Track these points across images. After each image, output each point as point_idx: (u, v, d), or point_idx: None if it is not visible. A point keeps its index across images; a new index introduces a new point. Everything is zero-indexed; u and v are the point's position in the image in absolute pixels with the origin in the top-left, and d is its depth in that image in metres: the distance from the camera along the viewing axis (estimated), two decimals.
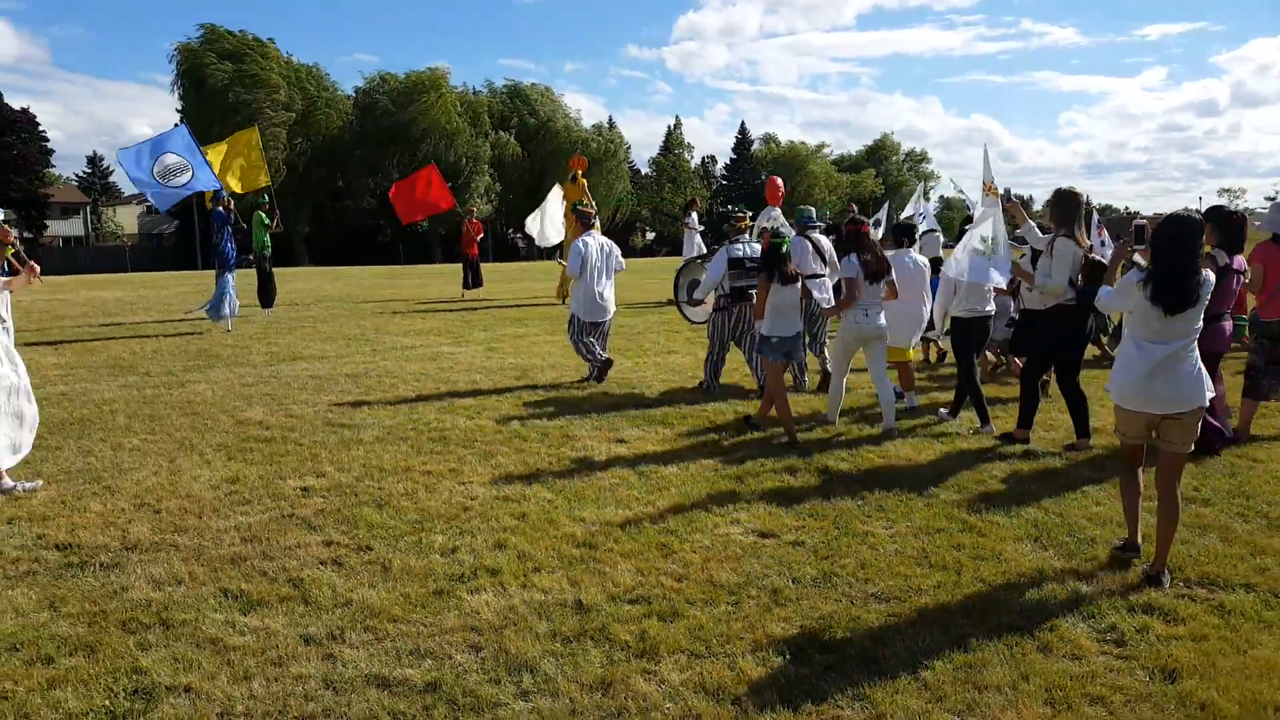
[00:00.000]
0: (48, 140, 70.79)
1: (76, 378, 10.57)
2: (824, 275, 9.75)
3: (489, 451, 7.19)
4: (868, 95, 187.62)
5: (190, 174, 13.75)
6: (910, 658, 3.84)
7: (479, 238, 22.86)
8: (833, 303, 8.90)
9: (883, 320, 8.01)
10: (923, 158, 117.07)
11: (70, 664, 3.74)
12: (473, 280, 22.29)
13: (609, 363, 10.42)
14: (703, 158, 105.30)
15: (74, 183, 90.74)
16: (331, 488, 6.22)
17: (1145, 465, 4.95)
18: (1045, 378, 8.29)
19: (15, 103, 69.82)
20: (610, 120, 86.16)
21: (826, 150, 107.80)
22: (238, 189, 15.44)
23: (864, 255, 7.88)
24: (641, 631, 4.09)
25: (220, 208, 15.34)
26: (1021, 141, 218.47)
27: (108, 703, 3.47)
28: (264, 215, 16.65)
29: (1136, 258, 5.09)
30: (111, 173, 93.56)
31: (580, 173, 19.51)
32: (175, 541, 5.16)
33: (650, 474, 6.57)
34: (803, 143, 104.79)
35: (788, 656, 3.87)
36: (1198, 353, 4.74)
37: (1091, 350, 10.16)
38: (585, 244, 10.45)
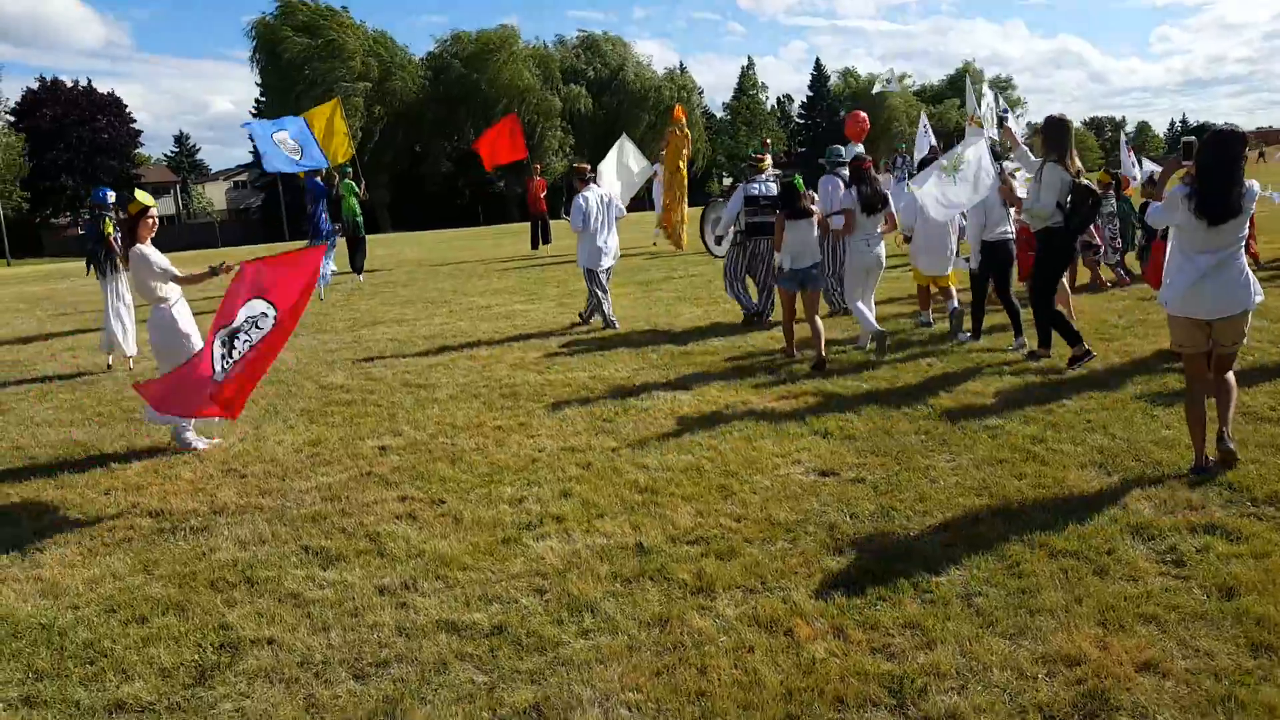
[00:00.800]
0: (135, 122, 73.08)
1: None
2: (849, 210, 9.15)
3: (557, 405, 7.36)
4: (948, 23, 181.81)
5: (301, 154, 14.34)
6: (964, 586, 3.89)
7: (543, 195, 23.08)
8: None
9: (882, 249, 8.77)
10: (1008, 84, 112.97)
11: (163, 622, 4.02)
12: (543, 238, 22.52)
13: (613, 322, 10.88)
14: (779, 98, 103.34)
15: (163, 162, 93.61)
16: (407, 446, 6.46)
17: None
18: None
19: (102, 87, 72.13)
20: (681, 65, 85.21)
21: (908, 81, 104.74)
22: (335, 161, 15.89)
23: (862, 188, 8.47)
24: (699, 570, 4.20)
25: (319, 179, 15.99)
26: (1112, 61, 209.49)
27: (197, 657, 3.73)
28: (353, 184, 17.19)
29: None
30: (198, 150, 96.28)
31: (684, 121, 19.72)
32: (260, 504, 5.44)
33: (714, 419, 6.66)
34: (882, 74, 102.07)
35: (842, 589, 3.94)
36: (1244, 259, 4.99)
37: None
38: (585, 199, 10.79)
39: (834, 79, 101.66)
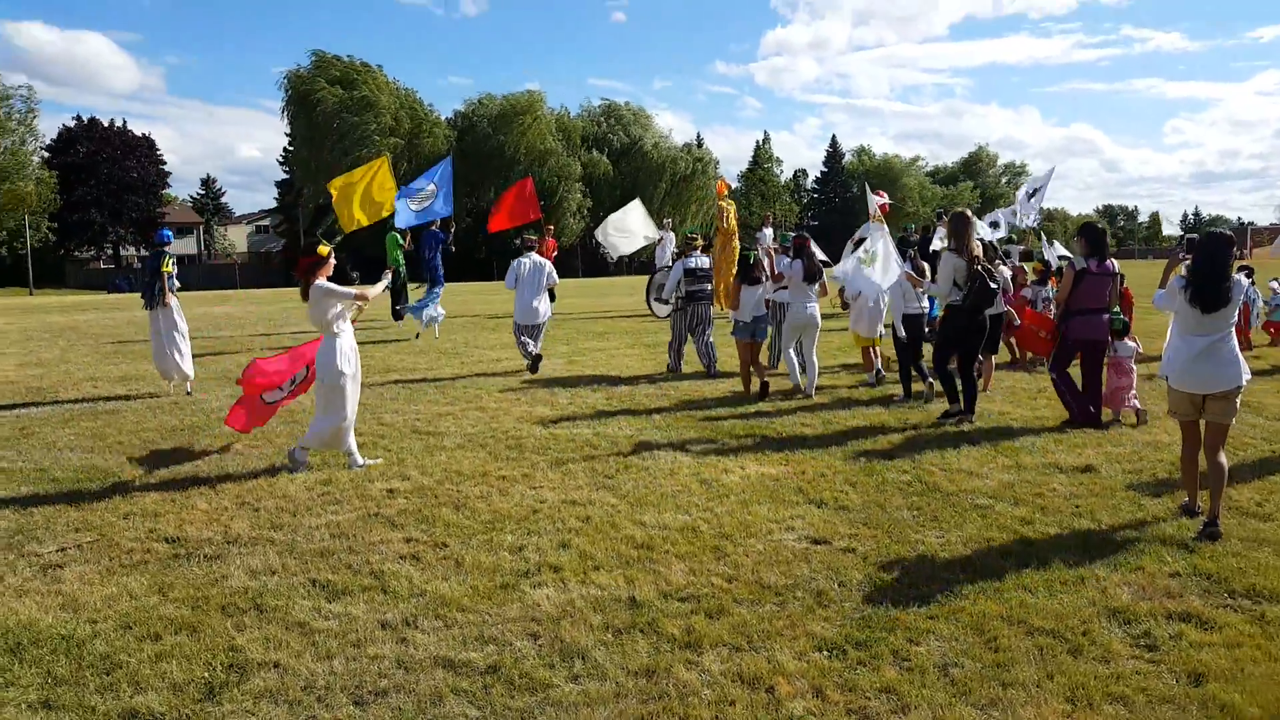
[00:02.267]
0: (165, 163, 74.59)
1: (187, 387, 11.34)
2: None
3: (561, 459, 7.57)
4: (962, 106, 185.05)
5: (432, 201, 15.03)
6: (942, 656, 4.05)
7: (553, 254, 23.60)
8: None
9: (816, 311, 10.39)
10: (1021, 170, 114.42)
11: (175, 641, 4.21)
12: (548, 296, 22.88)
13: (539, 358, 12.41)
14: (794, 171, 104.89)
15: (188, 203, 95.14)
16: (414, 490, 6.67)
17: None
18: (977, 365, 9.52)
19: (136, 128, 73.73)
20: (699, 137, 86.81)
21: (921, 162, 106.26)
22: (380, 215, 16.51)
23: (804, 260, 10.28)
24: (688, 626, 4.37)
25: (437, 228, 17.40)
26: (1125, 150, 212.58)
27: (206, 674, 3.91)
28: (397, 236, 17.87)
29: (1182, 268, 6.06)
30: (224, 193, 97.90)
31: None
32: (271, 536, 5.65)
33: (712, 482, 6.85)
34: (896, 155, 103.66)
35: (825, 652, 4.11)
36: (1235, 342, 5.73)
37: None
38: (520, 263, 12.65)
39: (848, 156, 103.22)
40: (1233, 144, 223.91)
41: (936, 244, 12.92)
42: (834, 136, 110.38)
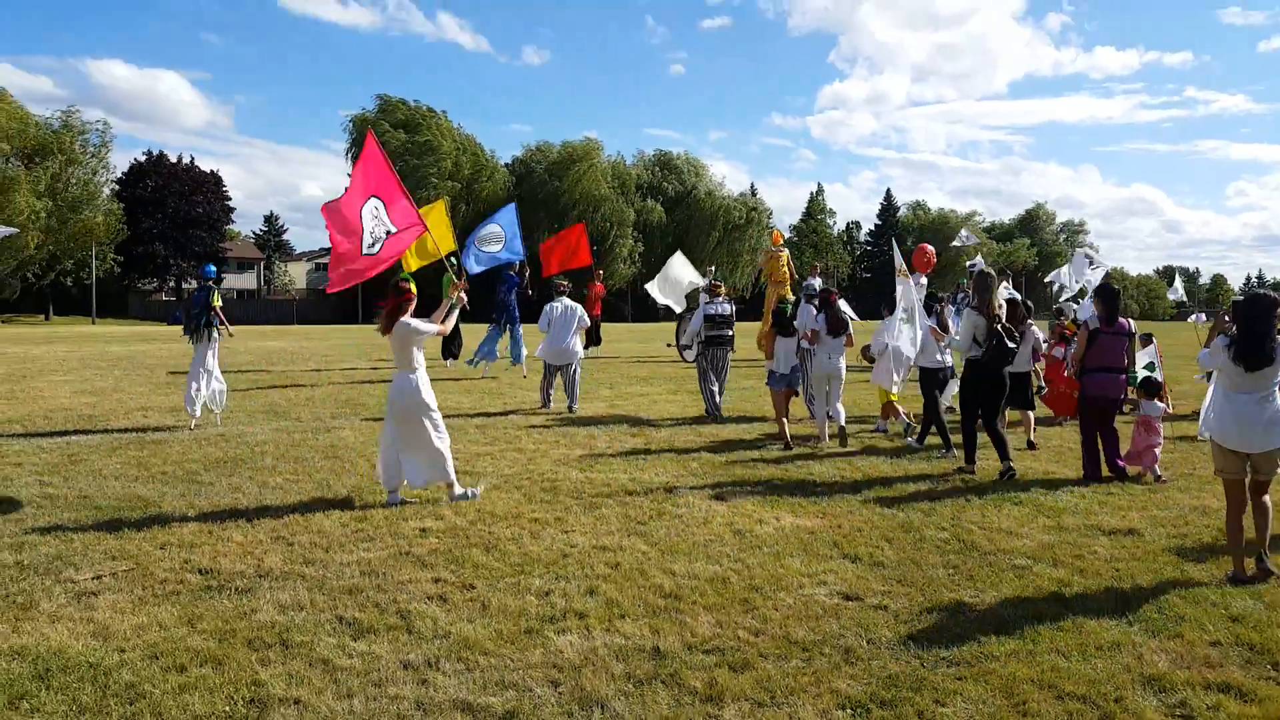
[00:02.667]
0: (230, 199, 76.64)
1: (235, 420, 11.56)
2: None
3: (594, 503, 7.55)
4: (1020, 163, 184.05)
5: (501, 245, 15.48)
6: (967, 718, 3.94)
7: (600, 299, 24.34)
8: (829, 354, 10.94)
9: (842, 363, 10.73)
10: (1080, 227, 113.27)
11: (200, 673, 4.25)
12: (594, 338, 23.23)
13: (571, 407, 13.06)
14: (847, 223, 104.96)
15: (250, 239, 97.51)
16: (447, 530, 6.69)
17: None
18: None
19: (204, 165, 75.97)
20: (752, 187, 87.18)
21: (977, 218, 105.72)
22: (445, 251, 16.89)
23: (829, 314, 10.67)
24: (711, 679, 4.31)
25: (512, 272, 18.11)
26: (1187, 211, 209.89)
27: (228, 708, 3.93)
28: (453, 277, 18.14)
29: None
30: (285, 230, 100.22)
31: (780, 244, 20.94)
32: (303, 572, 5.69)
33: (746, 532, 6.78)
34: (952, 210, 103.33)
35: (848, 711, 4.02)
36: (1278, 400, 5.84)
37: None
38: (553, 306, 13.31)
39: (903, 210, 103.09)
40: None
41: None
42: (888, 190, 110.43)
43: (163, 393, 14.17)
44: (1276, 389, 5.83)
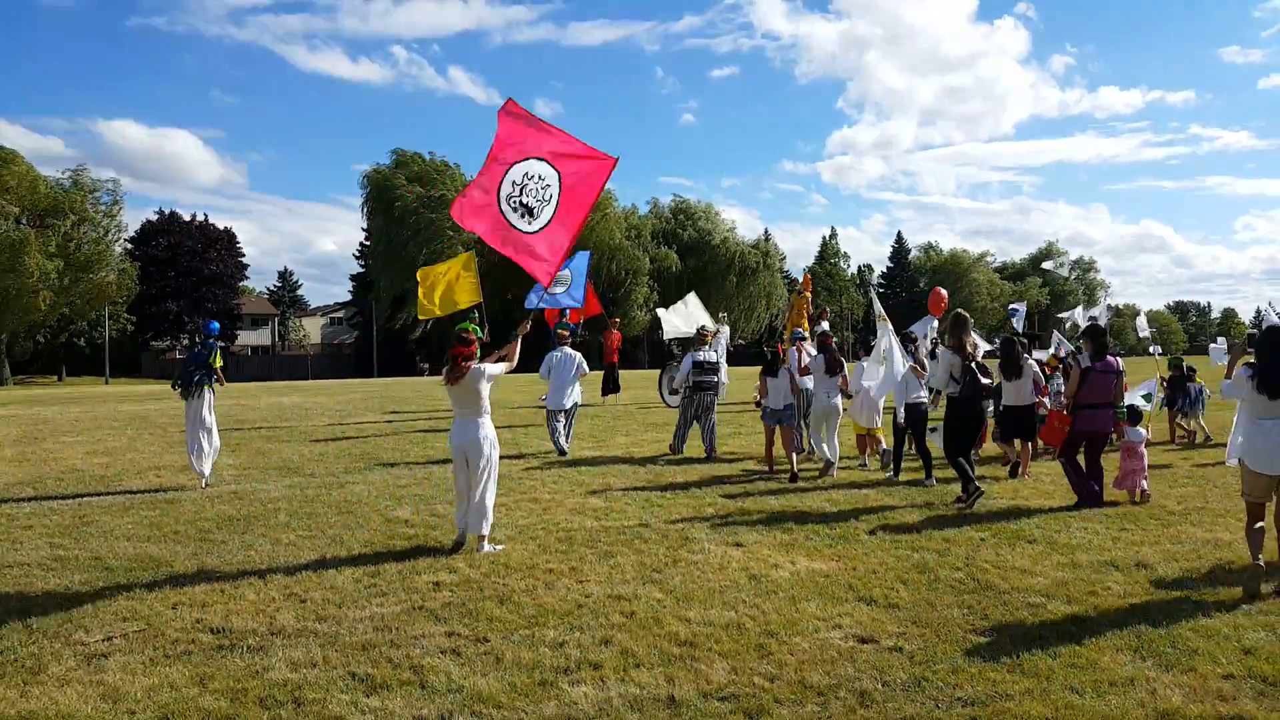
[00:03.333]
0: (244, 256, 77.45)
1: (248, 478, 11.59)
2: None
3: (609, 552, 7.52)
4: (1030, 203, 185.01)
5: (565, 288, 15.78)
6: None
7: (617, 347, 24.42)
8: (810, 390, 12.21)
9: (839, 401, 11.68)
10: (1090, 265, 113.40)
11: None
12: (612, 386, 23.23)
13: (563, 451, 13.49)
14: (859, 266, 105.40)
15: (265, 295, 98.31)
16: (460, 583, 6.67)
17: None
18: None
19: (217, 222, 76.86)
20: (766, 233, 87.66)
21: (989, 258, 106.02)
22: (466, 304, 17.27)
23: (826, 355, 11.66)
24: None
25: (569, 321, 18.50)
26: (1196, 246, 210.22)
27: None
28: (476, 329, 18.34)
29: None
30: (300, 285, 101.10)
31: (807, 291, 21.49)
32: (315, 629, 5.68)
33: (761, 577, 6.74)
34: (964, 250, 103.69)
35: None
36: None
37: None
38: (553, 355, 14.03)
39: (915, 252, 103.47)
40: None
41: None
42: (899, 233, 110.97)
43: (176, 451, 14.22)
44: None
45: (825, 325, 21.06)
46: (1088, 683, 4.69)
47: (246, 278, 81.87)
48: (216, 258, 73.50)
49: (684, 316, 19.80)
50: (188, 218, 74.67)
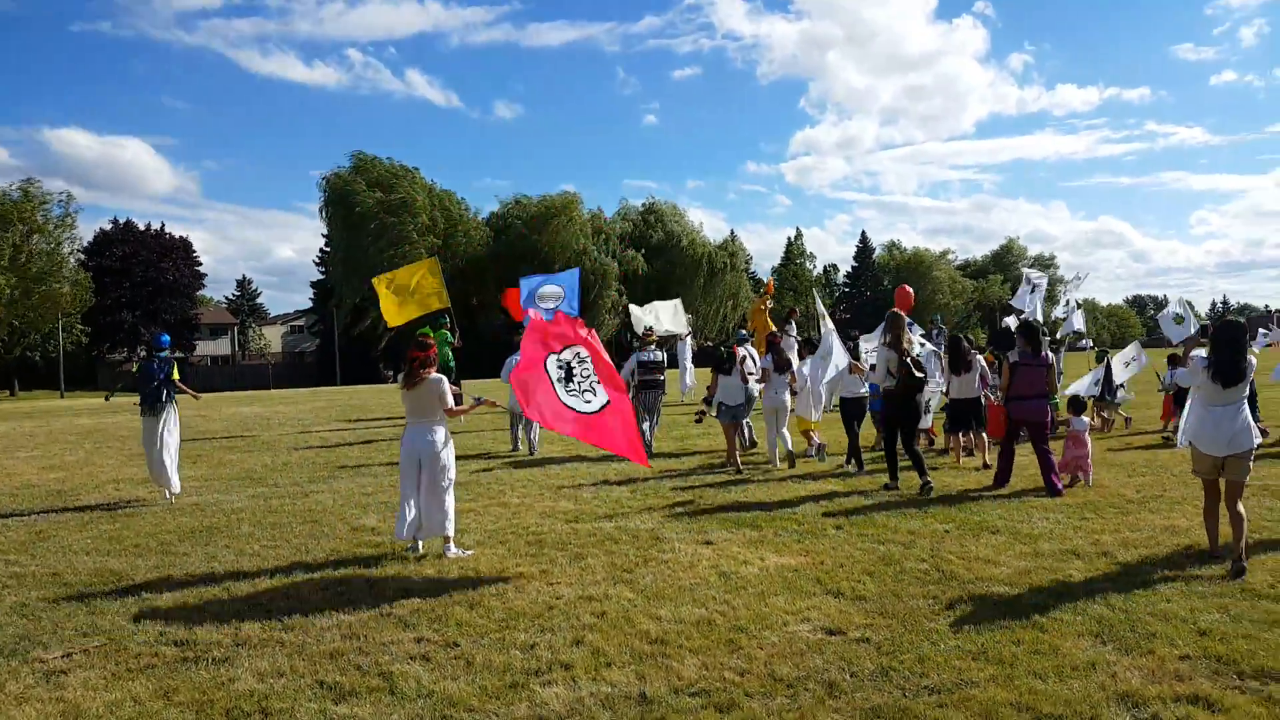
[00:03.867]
0: (201, 265, 76.30)
1: (210, 489, 11.45)
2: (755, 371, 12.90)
3: (580, 554, 7.52)
4: (990, 201, 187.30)
5: (554, 304, 15.82)
6: None
7: None
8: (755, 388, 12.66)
9: (786, 397, 12.30)
10: (1050, 262, 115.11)
11: None
12: None
13: (533, 449, 14.20)
14: (825, 266, 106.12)
15: (223, 305, 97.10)
16: (429, 589, 6.63)
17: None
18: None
19: (173, 231, 75.66)
20: (732, 233, 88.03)
21: (951, 256, 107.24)
22: (431, 309, 17.30)
23: (775, 355, 12.35)
24: None
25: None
26: (1152, 241, 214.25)
27: None
28: (447, 334, 18.29)
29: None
30: (259, 294, 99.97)
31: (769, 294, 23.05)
32: (281, 638, 5.62)
33: (731, 574, 6.78)
34: (927, 249, 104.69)
35: None
36: (1247, 411, 6.64)
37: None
38: (511, 359, 13.73)
39: (879, 250, 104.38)
40: (1258, 234, 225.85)
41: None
42: (864, 232, 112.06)
43: (135, 464, 14.01)
44: (1245, 401, 6.63)
45: (793, 325, 21.82)
46: (1050, 668, 4.77)
47: (204, 287, 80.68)
48: (172, 267, 72.31)
49: (664, 317, 19.97)
50: (143, 227, 73.47)
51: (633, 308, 21.12)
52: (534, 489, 10.69)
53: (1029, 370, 9.96)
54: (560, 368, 7.63)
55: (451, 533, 7.70)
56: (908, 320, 16.98)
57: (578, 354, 7.75)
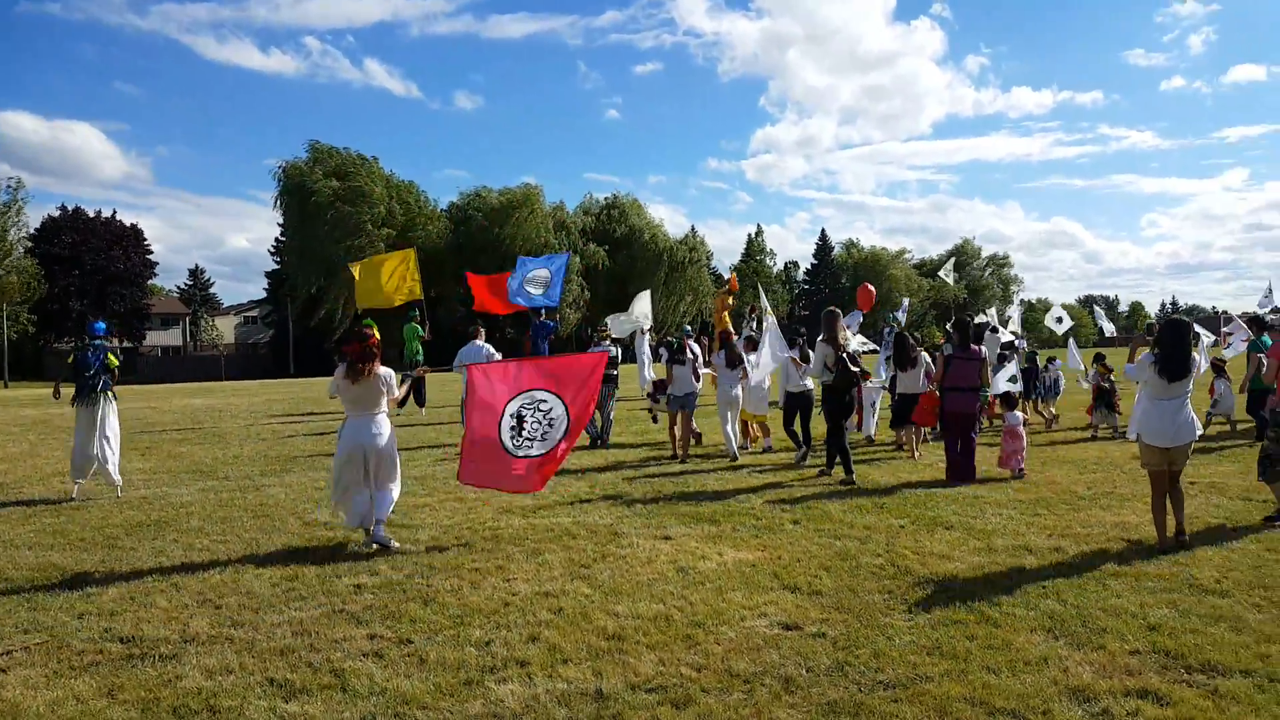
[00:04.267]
0: (152, 253, 74.80)
1: (158, 482, 11.22)
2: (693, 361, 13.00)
3: (537, 550, 7.47)
4: (947, 201, 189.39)
5: (543, 289, 15.75)
6: None
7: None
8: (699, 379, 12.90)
9: (738, 392, 12.74)
10: (1005, 261, 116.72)
11: None
12: None
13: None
14: (785, 263, 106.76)
15: (174, 294, 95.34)
16: (383, 585, 6.54)
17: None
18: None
19: (124, 219, 74.03)
20: (693, 229, 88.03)
21: (907, 255, 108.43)
22: (397, 301, 17.31)
23: (727, 351, 12.80)
24: (653, 717, 4.28)
25: (548, 320, 18.52)
26: (1105, 243, 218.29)
27: None
28: (417, 327, 18.12)
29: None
30: (212, 284, 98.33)
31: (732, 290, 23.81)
32: (231, 635, 5.51)
33: (689, 569, 6.77)
34: (884, 248, 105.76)
35: None
36: (1190, 406, 7.14)
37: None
38: (464, 350, 14.75)
39: (838, 249, 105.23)
40: (1206, 237, 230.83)
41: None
42: (823, 230, 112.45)
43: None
44: (1188, 396, 7.12)
45: (755, 321, 22.33)
46: (1004, 663, 4.82)
47: (155, 276, 79.03)
48: (123, 255, 70.75)
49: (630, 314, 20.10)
50: (92, 214, 71.83)
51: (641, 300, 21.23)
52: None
53: (961, 364, 10.54)
54: (512, 417, 7.86)
55: (385, 517, 7.75)
56: (860, 318, 17.89)
57: (533, 399, 7.91)
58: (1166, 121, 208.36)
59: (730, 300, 23.83)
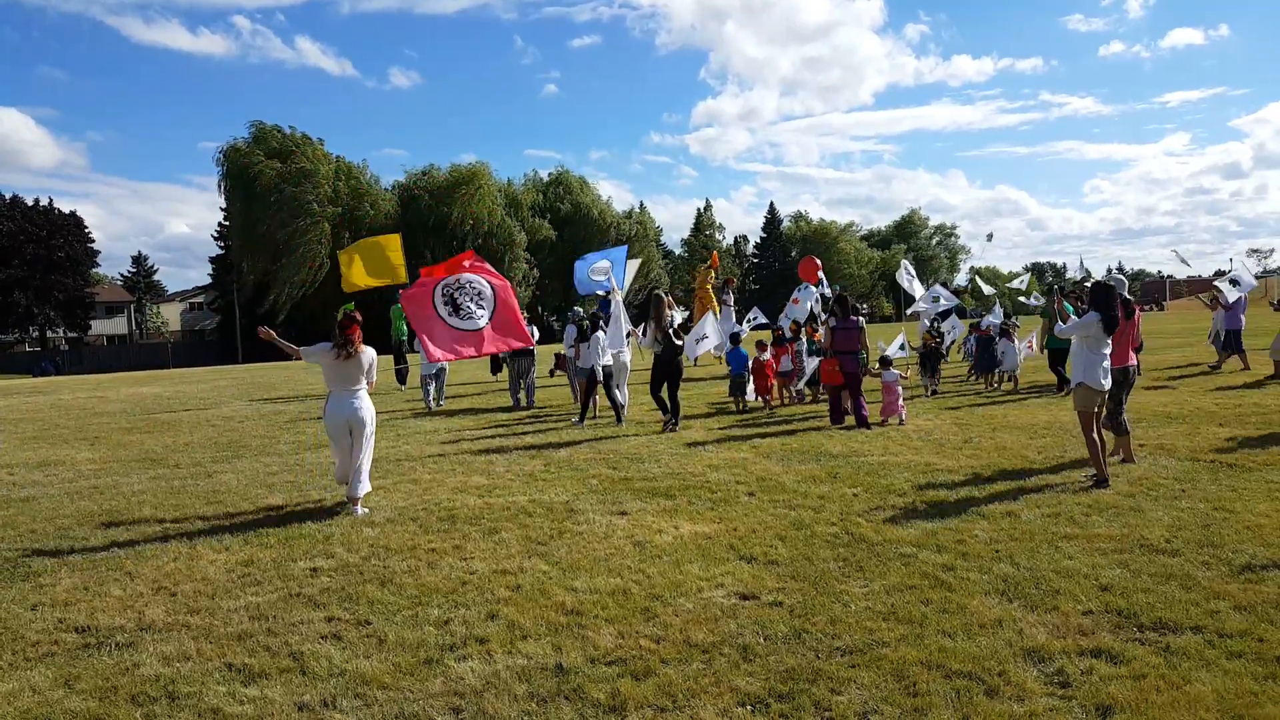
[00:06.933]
0: (93, 241, 73.16)
1: (109, 471, 11.05)
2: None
3: (493, 528, 7.49)
4: (891, 171, 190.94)
5: (605, 277, 16.07)
6: (862, 704, 4.07)
7: None
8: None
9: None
10: (951, 231, 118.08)
11: None
12: (499, 364, 23.06)
13: (429, 408, 16.69)
14: (735, 237, 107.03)
15: (118, 282, 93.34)
16: (339, 568, 6.53)
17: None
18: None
19: (61, 207, 72.23)
20: (640, 204, 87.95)
21: (855, 228, 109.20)
22: (375, 282, 17.52)
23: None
24: (614, 690, 4.33)
25: (606, 298, 18.58)
26: (1049, 210, 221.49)
27: None
28: (402, 309, 18.02)
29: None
30: (155, 271, 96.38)
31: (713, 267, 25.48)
32: (187, 621, 5.48)
33: (646, 543, 6.83)
34: (832, 221, 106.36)
35: (748, 707, 4.10)
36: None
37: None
38: None
39: (786, 222, 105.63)
40: (1148, 202, 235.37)
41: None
42: (771, 204, 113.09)
43: (30, 449, 13.44)
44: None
45: (730, 294, 23.74)
46: (959, 626, 4.93)
47: (98, 264, 77.46)
48: (63, 244, 69.16)
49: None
50: (30, 202, 70.04)
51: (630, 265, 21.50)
52: (445, 465, 10.58)
53: (844, 332, 12.57)
54: (446, 303, 9.64)
55: (361, 495, 8.32)
56: (813, 290, 19.30)
57: (459, 282, 9.72)
58: (1107, 87, 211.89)
59: (712, 275, 25.14)
